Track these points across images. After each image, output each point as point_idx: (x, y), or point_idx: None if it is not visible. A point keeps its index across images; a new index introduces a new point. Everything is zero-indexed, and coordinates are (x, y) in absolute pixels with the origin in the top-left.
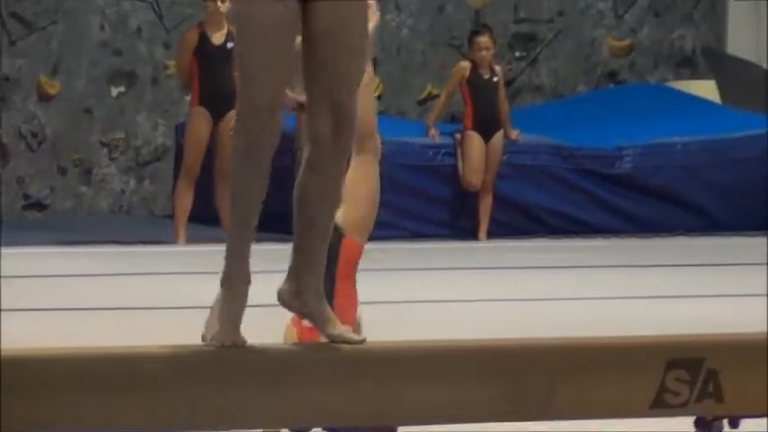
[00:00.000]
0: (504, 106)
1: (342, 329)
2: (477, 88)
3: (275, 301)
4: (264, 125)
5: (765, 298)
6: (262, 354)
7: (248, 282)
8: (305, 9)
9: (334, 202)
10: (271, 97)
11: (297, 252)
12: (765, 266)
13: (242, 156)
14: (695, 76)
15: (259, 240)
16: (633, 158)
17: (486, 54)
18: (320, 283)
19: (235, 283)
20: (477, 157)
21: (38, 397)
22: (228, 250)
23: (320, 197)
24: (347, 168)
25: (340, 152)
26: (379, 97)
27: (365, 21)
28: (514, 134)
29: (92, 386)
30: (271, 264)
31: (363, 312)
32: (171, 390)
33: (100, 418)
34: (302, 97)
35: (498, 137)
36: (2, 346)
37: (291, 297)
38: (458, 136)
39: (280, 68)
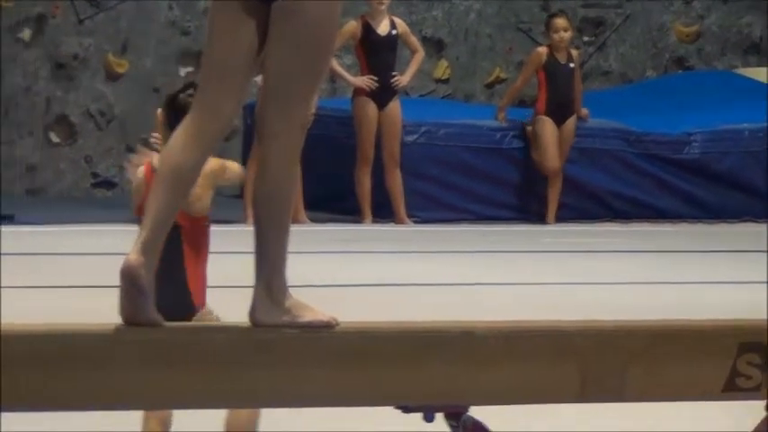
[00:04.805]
0: (579, 87)
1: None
2: (554, 74)
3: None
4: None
5: None
6: (331, 334)
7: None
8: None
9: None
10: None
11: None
12: None
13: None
14: (763, 63)
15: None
16: (701, 144)
17: (564, 35)
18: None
19: None
20: (552, 142)
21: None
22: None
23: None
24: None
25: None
26: (446, 81)
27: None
28: (584, 112)
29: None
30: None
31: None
32: (247, 364)
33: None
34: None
35: (571, 122)
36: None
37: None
38: (529, 128)
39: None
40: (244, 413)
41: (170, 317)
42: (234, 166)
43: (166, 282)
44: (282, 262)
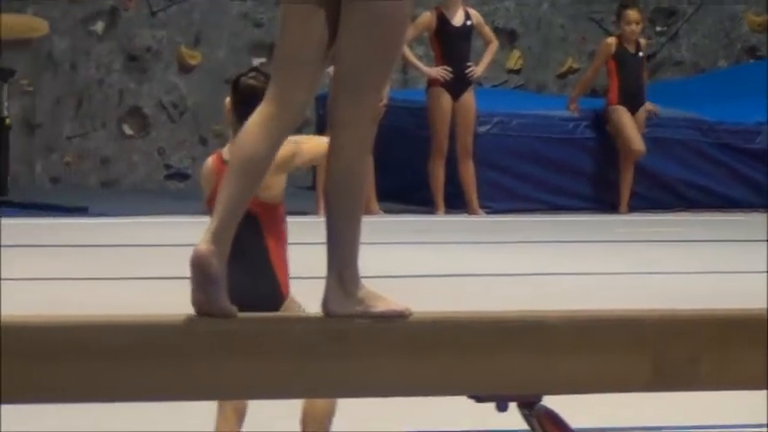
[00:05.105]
0: (645, 77)
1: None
2: (624, 64)
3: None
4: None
5: None
6: (405, 324)
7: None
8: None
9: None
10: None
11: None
12: None
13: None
14: None
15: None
16: None
17: (635, 28)
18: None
19: None
20: (633, 126)
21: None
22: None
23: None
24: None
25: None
26: (518, 71)
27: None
28: (650, 107)
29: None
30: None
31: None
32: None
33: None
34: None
35: (642, 111)
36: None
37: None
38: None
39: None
40: (319, 405)
41: (263, 309)
42: (306, 146)
43: (256, 275)
44: (354, 252)
